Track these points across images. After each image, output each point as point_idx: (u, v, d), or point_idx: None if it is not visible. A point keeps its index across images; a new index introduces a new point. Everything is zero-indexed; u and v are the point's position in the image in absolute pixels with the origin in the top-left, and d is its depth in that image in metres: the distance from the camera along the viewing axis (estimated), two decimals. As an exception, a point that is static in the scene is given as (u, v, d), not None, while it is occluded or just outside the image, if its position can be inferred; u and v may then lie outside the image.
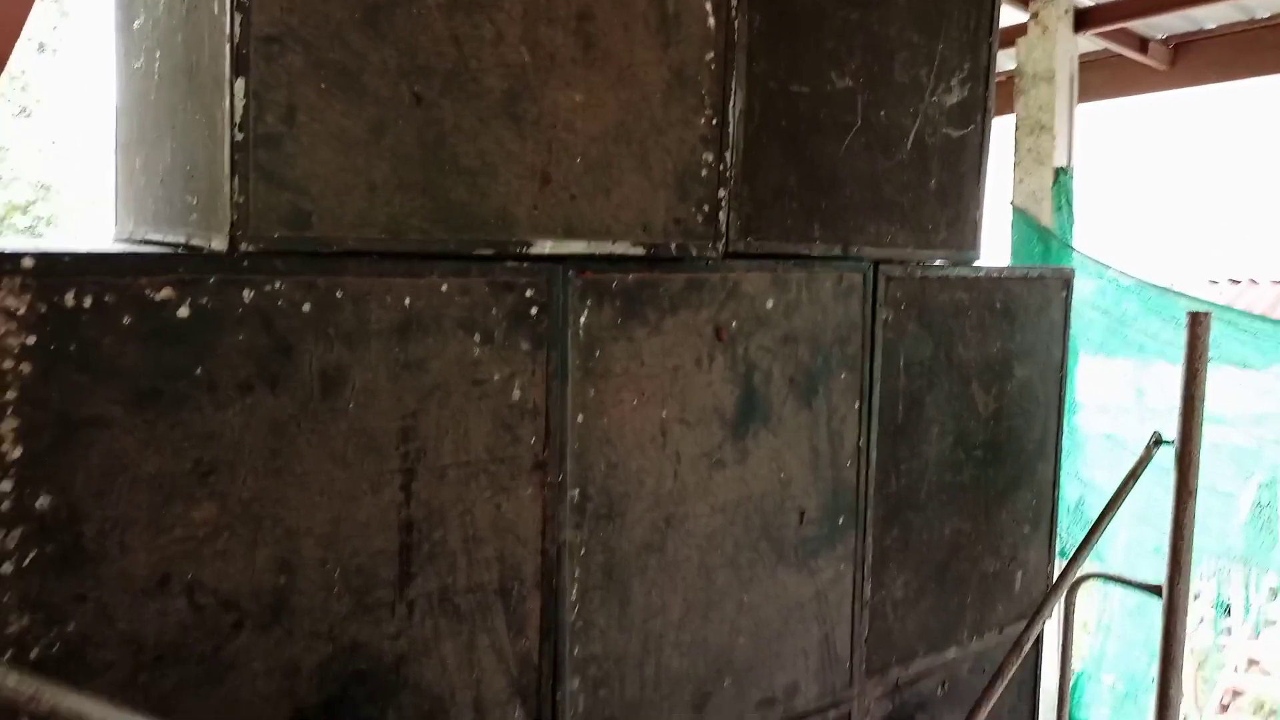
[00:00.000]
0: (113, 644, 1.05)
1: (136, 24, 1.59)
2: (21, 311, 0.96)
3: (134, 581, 1.06)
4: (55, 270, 0.97)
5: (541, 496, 1.40)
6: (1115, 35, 4.70)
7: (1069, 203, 4.21)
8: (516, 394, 1.36)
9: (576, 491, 1.45)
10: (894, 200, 1.84)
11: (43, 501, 0.99)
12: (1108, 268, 4.16)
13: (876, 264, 1.81)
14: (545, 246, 1.35)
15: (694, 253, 1.52)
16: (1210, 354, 3.63)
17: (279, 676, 1.18)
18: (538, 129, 1.32)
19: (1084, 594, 3.91)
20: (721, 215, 1.54)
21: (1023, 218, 4.26)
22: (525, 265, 1.34)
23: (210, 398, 1.09)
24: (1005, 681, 1.73)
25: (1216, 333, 3.88)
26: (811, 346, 1.74)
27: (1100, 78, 4.97)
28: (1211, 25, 4.93)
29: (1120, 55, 4.92)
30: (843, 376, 1.80)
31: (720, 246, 1.56)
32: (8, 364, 0.95)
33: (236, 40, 1.08)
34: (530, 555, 1.40)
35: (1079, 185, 4.32)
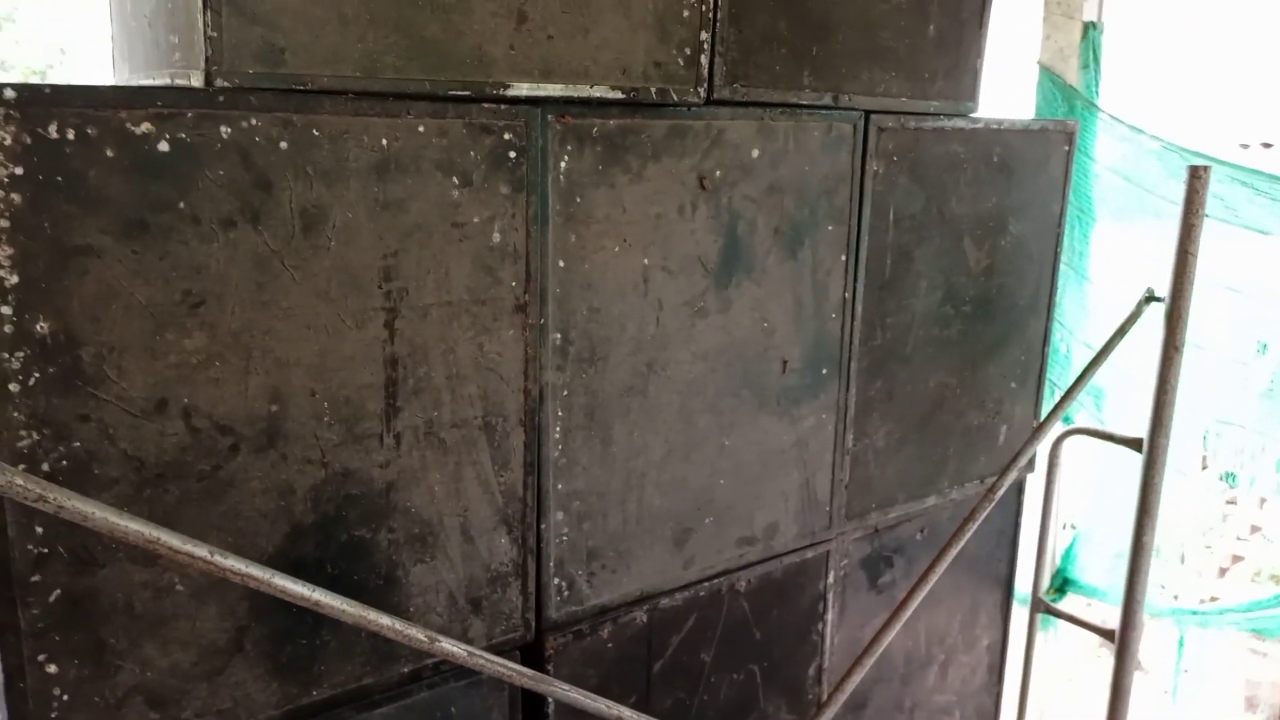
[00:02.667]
0: (116, 461, 1.14)
1: None
2: (8, 142, 1.00)
3: (133, 404, 1.13)
4: (37, 101, 1.01)
5: (523, 338, 1.46)
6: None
7: (1097, 60, 4.06)
8: (497, 237, 1.40)
9: (558, 335, 1.51)
10: (889, 47, 1.80)
11: (42, 326, 1.06)
12: (1134, 130, 4.05)
13: (868, 114, 1.80)
14: (522, 88, 1.36)
15: (675, 98, 1.52)
16: (1229, 218, 3.57)
17: (275, 496, 1.27)
18: (513, -34, 1.31)
19: (1087, 457, 3.98)
20: (704, 59, 1.53)
21: (1048, 76, 4.12)
22: (503, 108, 1.35)
23: (195, 231, 1.13)
24: (977, 524, 1.81)
25: (1237, 197, 3.80)
26: (798, 197, 1.75)
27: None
28: None
29: (1166, -100, 4.63)
30: (829, 229, 1.81)
31: (703, 92, 1.55)
32: (-3, 193, 1.00)
33: None
34: (513, 394, 1.47)
35: (1109, 42, 4.15)
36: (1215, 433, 4.81)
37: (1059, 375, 4.23)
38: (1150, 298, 2.07)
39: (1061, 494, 2.51)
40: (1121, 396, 4.16)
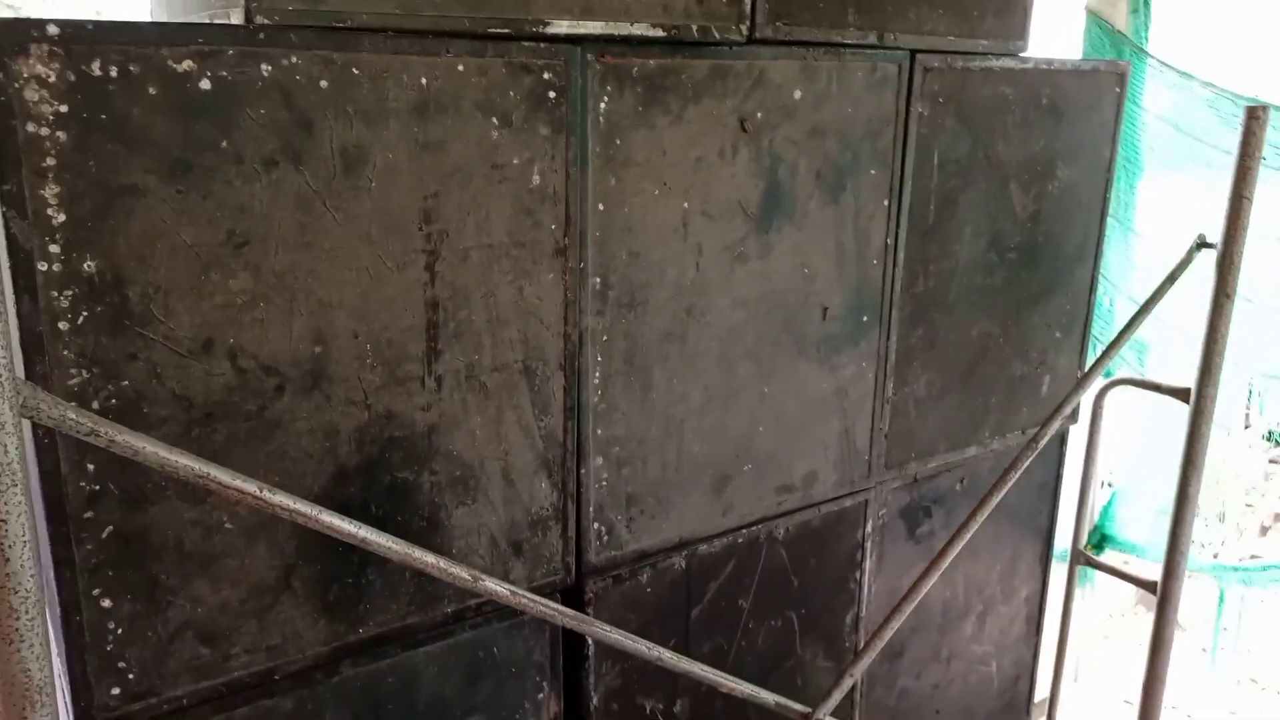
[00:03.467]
0: (165, 401, 1.15)
1: None
2: (52, 79, 1.00)
3: (180, 344, 1.14)
4: (80, 38, 1.00)
5: (563, 282, 1.45)
6: None
7: (1147, 4, 3.92)
8: (536, 179, 1.38)
9: (598, 279, 1.50)
10: (936, -15, 1.75)
11: (89, 265, 1.07)
12: (1184, 76, 3.93)
13: (914, 54, 1.75)
14: (562, 26, 1.34)
15: (717, 36, 1.49)
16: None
17: (321, 438, 1.28)
18: (552, -101, 1.28)
19: (1128, 413, 3.92)
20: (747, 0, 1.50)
21: (1096, 21, 3.99)
22: (542, 46, 1.33)
23: (238, 170, 1.13)
24: (1018, 474, 1.78)
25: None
26: (840, 140, 1.71)
27: None
28: None
29: None
30: (872, 172, 1.78)
31: (745, 30, 1.52)
32: (44, 131, 1.00)
33: None
34: (553, 339, 1.47)
35: (1162, -15, 4.00)
36: (1261, 389, 4.71)
37: (1102, 330, 4.15)
38: (1202, 244, 2.01)
39: (1103, 448, 2.47)
40: (1165, 352, 4.09)
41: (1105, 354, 1.93)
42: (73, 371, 1.08)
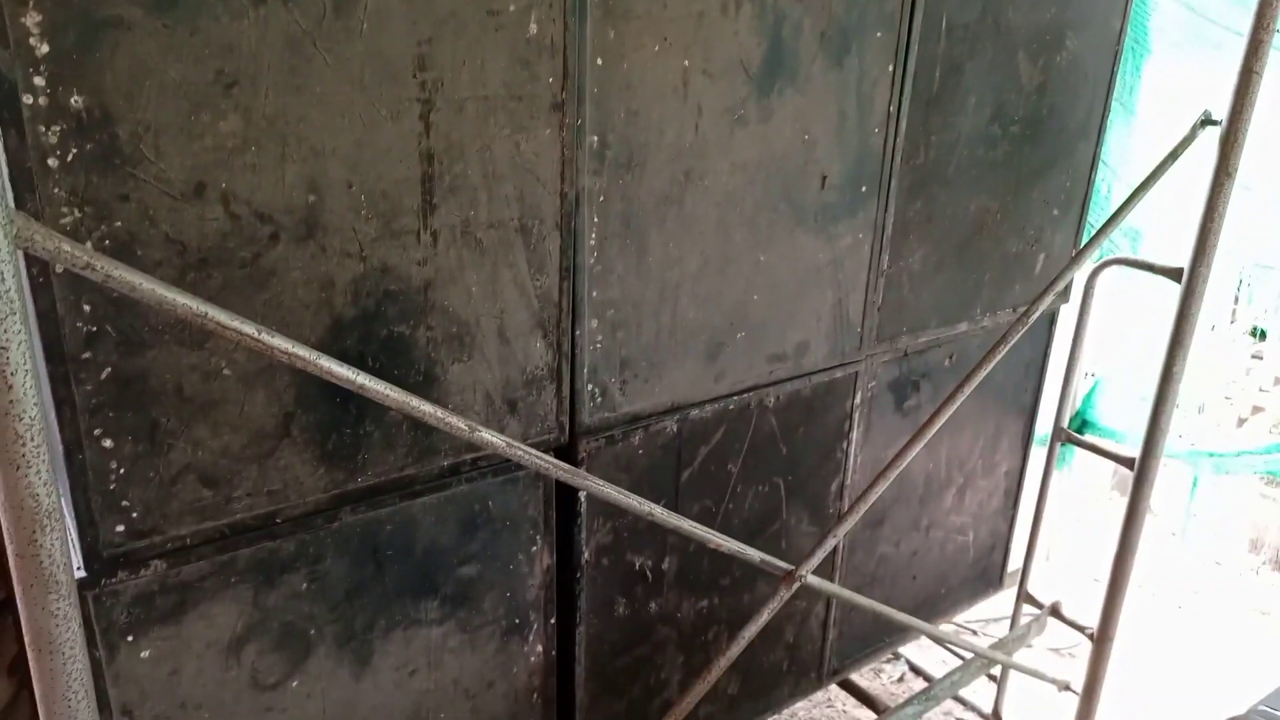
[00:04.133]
0: (158, 244, 1.14)
1: None
2: (25, -103, 0.95)
3: (172, 186, 1.13)
4: None
5: (560, 139, 1.43)
6: None
7: (1169, -126, 3.74)
8: (533, 28, 1.34)
9: (595, 138, 1.47)
10: None
11: (76, 100, 1.04)
12: (1202, -47, 3.78)
13: (927, -92, 1.68)
14: None
15: (724, -122, 1.42)
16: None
17: (316, 288, 1.28)
18: None
19: (1113, 301, 3.93)
20: None
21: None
22: (541, -118, 1.27)
23: (225, 6, 1.09)
24: (1006, 349, 1.80)
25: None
26: (846, 0, 1.66)
27: None
28: None
29: None
30: (878, 36, 1.73)
31: (753, -127, 1.45)
32: (20, -47, 0.96)
33: None
34: (549, 197, 1.45)
35: None
36: (1250, 280, 4.73)
37: (1098, 217, 4.13)
38: (1206, 120, 1.98)
39: (1093, 329, 2.49)
40: (1159, 239, 4.08)
41: (1101, 231, 1.92)
42: (64, 210, 1.07)
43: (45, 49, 1.01)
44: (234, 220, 1.18)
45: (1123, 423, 4.39)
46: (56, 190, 1.06)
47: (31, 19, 0.99)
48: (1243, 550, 4.53)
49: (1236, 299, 5.06)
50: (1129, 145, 4.05)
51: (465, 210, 1.37)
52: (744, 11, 1.55)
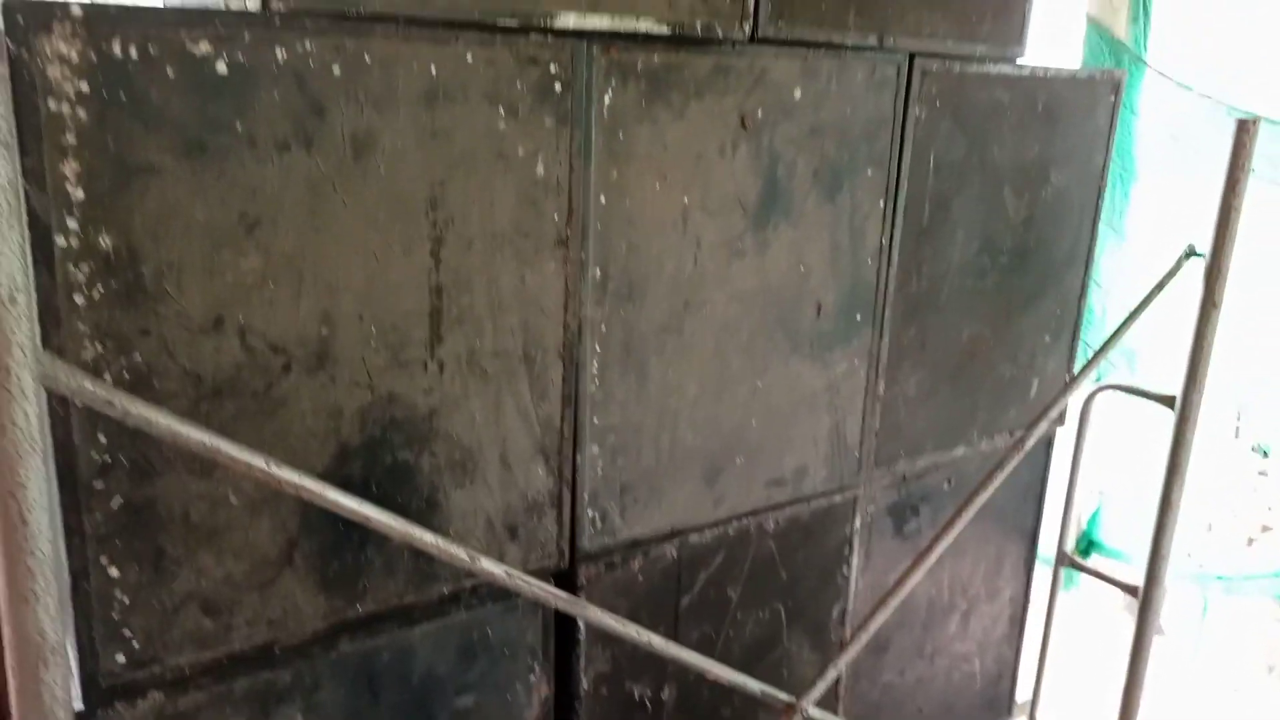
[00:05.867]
0: (175, 376, 1.18)
1: None
2: (74, 58, 1.03)
3: (191, 320, 1.17)
4: (102, 19, 1.03)
5: (564, 272, 1.48)
6: None
7: (1146, 14, 3.97)
8: (541, 170, 1.41)
9: (598, 270, 1.53)
10: (936, -10, 1.79)
11: (105, 241, 1.10)
12: (1182, 87, 3.97)
13: (912, 56, 1.79)
14: (569, 20, 1.37)
15: (720, 34, 1.52)
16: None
17: (325, 417, 1.31)
18: (564, -104, 1.31)
19: (1116, 421, 3.96)
20: (750, 0, 1.53)
21: (1096, 29, 4.04)
22: (549, 39, 1.36)
23: (251, 153, 1.16)
24: (1005, 474, 1.82)
25: (1287, 158, 3.72)
26: (838, 140, 1.75)
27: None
28: None
29: None
30: (869, 173, 1.81)
31: (748, 29, 1.55)
32: (65, 109, 1.03)
33: None
34: (553, 327, 1.50)
35: (1161, -4, 4.05)
36: (1248, 404, 4.75)
37: (1093, 337, 4.19)
38: (1191, 253, 2.05)
39: (1090, 454, 2.50)
40: (1154, 360, 4.13)
41: (1093, 359, 1.96)
42: (86, 345, 1.11)
43: (80, 193, 1.07)
44: (249, 352, 1.23)
45: (1129, 544, 4.35)
46: (81, 325, 1.10)
47: (70, 166, 1.06)
48: (1260, 672, 4.42)
49: (1239, 415, 5.08)
50: (1120, 266, 4.15)
51: (471, 340, 1.42)
52: (740, 152, 1.63)
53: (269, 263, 1.21)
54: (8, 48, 0.97)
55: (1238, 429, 5.24)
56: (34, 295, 1.05)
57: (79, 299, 1.09)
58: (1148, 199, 4.16)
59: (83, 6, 1.02)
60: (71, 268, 1.08)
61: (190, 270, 1.16)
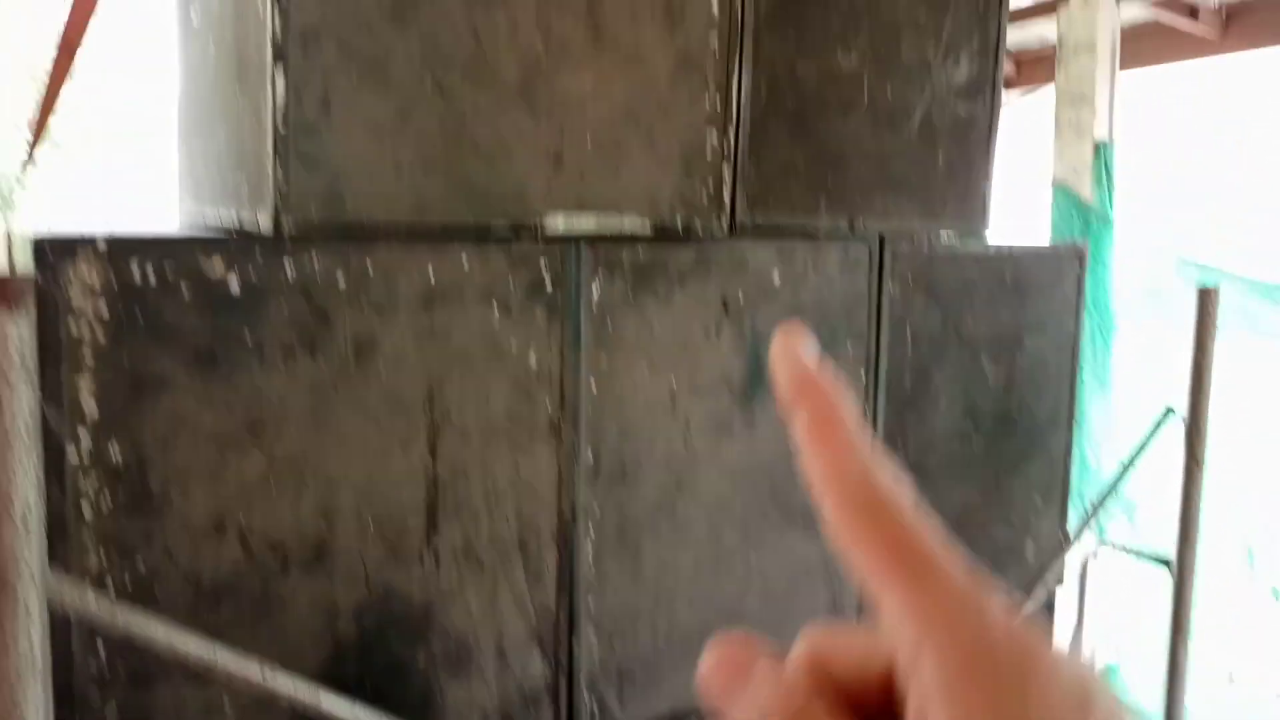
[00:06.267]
0: (175, 580, 1.20)
1: (195, 21, 1.74)
2: (98, 286, 1.10)
3: (194, 525, 1.20)
4: (125, 249, 1.11)
5: (557, 458, 1.52)
6: (1163, 2, 4.63)
7: (1110, 177, 4.19)
8: (533, 361, 1.48)
9: (590, 454, 1.57)
10: (902, 176, 1.91)
11: (115, 453, 1.14)
12: (1150, 243, 4.14)
13: (883, 238, 1.89)
14: (558, 223, 1.46)
15: (700, 229, 1.62)
16: (1253, 330, 3.60)
17: (321, 615, 1.32)
18: (550, 112, 1.43)
19: (1123, 576, 3.92)
20: (727, 192, 1.64)
21: (1063, 192, 4.25)
22: (540, 241, 1.45)
23: (259, 361, 1.22)
24: (1007, 641, 1.80)
25: (1261, 311, 3.85)
26: (818, 318, 1.83)
27: (1147, 44, 4.88)
28: (1264, -7, 4.81)
29: (1168, 25, 4.83)
30: (849, 347, 1.89)
31: (726, 222, 1.66)
32: (85, 331, 1.10)
33: (276, 36, 1.21)
34: (547, 513, 1.53)
35: (1122, 157, 4.29)
36: (1260, 546, 4.71)
37: (1090, 488, 4.21)
38: (1169, 413, 2.10)
39: (1099, 612, 2.48)
40: (1155, 509, 4.13)
41: (1084, 523, 1.98)
42: (91, 554, 1.13)
43: (95, 408, 1.12)
44: (248, 553, 1.25)
45: (1150, 702, 4.21)
46: (87, 536, 1.13)
47: (86, 383, 1.11)
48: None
49: (1252, 555, 5.02)
50: (1111, 418, 4.21)
51: (466, 530, 1.44)
52: (725, 335, 1.70)
53: (271, 464, 1.25)
54: (36, 279, 1.05)
55: (1251, 572, 5.16)
56: (44, 514, 1.09)
57: (87, 510, 1.13)
58: (1132, 350, 4.27)
59: (108, 241, 1.10)
60: (82, 480, 1.12)
61: (195, 476, 1.20)
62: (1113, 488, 2.04)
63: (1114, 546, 2.37)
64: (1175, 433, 2.11)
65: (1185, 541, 2.08)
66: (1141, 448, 2.06)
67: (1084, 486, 4.06)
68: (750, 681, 0.34)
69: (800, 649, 0.37)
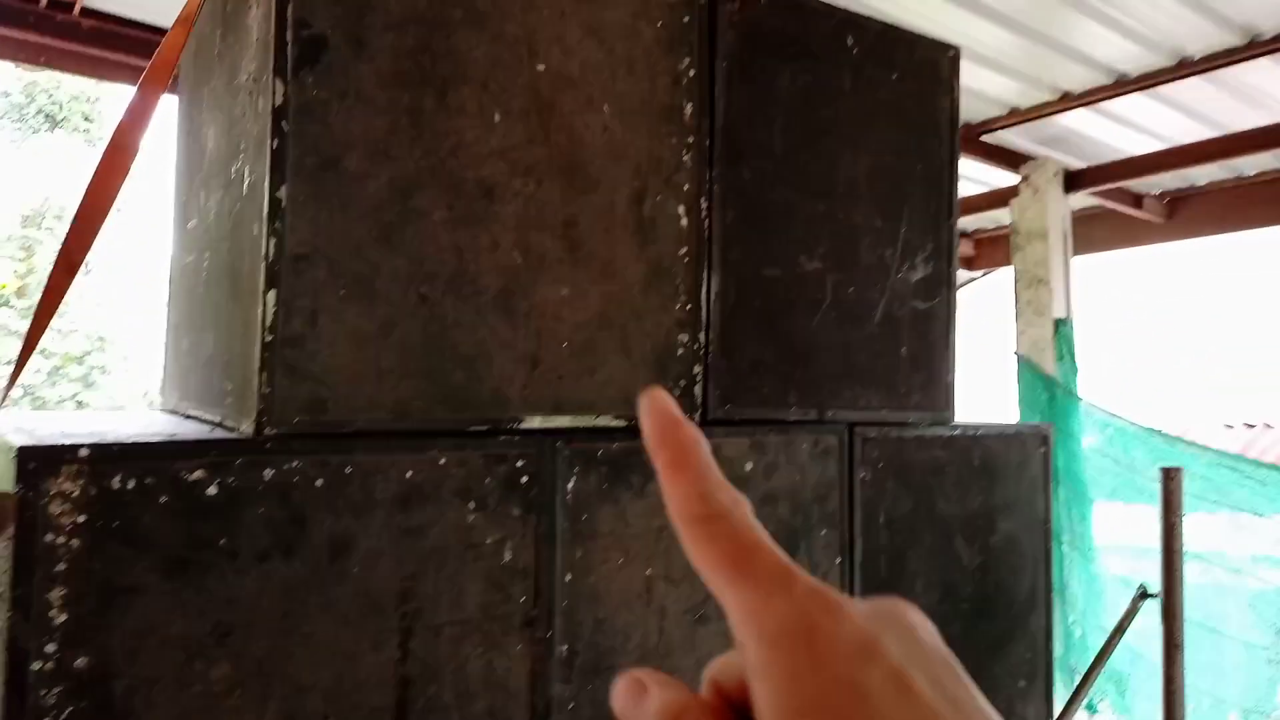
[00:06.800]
0: (131, 794, 1.16)
1: (191, 224, 1.84)
2: (76, 494, 1.12)
3: (154, 735, 1.17)
4: (106, 458, 1.14)
5: (531, 652, 1.51)
6: (1109, 193, 4.95)
7: (1071, 352, 4.34)
8: (508, 555, 1.49)
9: (565, 647, 1.56)
10: (867, 367, 1.99)
11: (80, 662, 1.13)
12: (1114, 416, 4.25)
13: (851, 426, 1.95)
14: (535, 422, 1.51)
15: (673, 424, 1.68)
16: (1220, 501, 3.66)
17: (281, 828, 1.27)
18: (528, 320, 1.50)
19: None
20: (698, 389, 1.71)
21: (1028, 367, 4.39)
22: (517, 439, 1.50)
23: (231, 565, 1.23)
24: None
25: (1226, 480, 3.92)
26: (791, 505, 1.86)
27: (1097, 231, 5.19)
28: (1204, 182, 5.17)
29: (1115, 210, 5.15)
30: (823, 533, 1.91)
31: (698, 417, 1.71)
32: (60, 540, 1.11)
33: (270, 259, 1.29)
34: (520, 709, 1.50)
35: (1082, 334, 4.46)
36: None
37: (1078, 659, 4.13)
38: (1144, 594, 2.11)
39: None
40: (1145, 681, 4.04)
41: (1066, 709, 1.95)
42: (45, 770, 1.10)
43: (63, 618, 1.12)
44: (209, 764, 1.21)
45: None
46: (43, 751, 1.10)
47: (56, 593, 1.12)
48: None
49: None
50: (1094, 589, 4.19)
51: (437, 732, 1.41)
52: (699, 524, 1.72)
53: (239, 669, 1.24)
54: (18, 494, 1.07)
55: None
56: (2, 728, 1.07)
57: (45, 723, 1.10)
58: (1109, 519, 4.30)
59: (89, 448, 1.13)
60: (43, 693, 1.10)
61: (160, 684, 1.18)
62: (1093, 671, 2.02)
63: (1102, 732, 2.32)
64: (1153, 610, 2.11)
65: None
66: (1120, 630, 2.05)
67: (1069, 659, 3.99)
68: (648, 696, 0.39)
69: (703, 676, 0.42)
